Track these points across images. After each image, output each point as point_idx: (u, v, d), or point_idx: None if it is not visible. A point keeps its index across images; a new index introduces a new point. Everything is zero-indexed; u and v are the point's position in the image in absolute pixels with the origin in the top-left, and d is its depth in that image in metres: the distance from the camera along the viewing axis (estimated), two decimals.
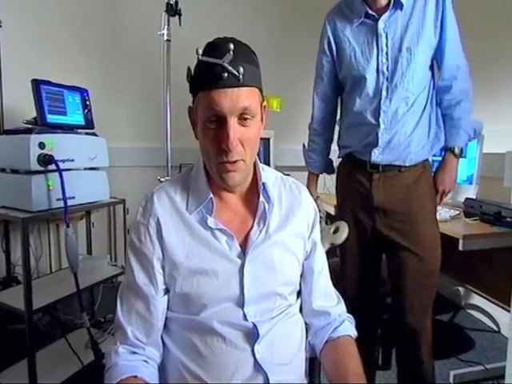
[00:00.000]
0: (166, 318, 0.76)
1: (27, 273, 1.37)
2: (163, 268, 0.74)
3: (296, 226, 0.80)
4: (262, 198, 0.77)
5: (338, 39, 1.27)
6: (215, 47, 0.67)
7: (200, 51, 0.67)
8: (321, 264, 0.85)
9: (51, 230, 2.29)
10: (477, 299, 2.27)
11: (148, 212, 0.75)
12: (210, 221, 0.74)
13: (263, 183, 0.78)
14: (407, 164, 1.23)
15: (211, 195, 0.75)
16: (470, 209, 1.63)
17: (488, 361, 1.79)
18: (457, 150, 1.26)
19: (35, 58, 2.21)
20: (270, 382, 0.71)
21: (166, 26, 1.84)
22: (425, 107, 1.23)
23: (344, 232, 1.16)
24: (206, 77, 0.66)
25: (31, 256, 1.50)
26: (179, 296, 0.73)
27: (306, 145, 1.50)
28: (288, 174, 2.96)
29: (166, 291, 0.75)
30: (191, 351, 0.73)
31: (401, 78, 1.17)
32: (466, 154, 1.87)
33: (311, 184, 1.49)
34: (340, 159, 1.41)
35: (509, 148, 1.60)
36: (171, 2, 1.88)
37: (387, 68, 1.19)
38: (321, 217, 1.29)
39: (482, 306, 2.23)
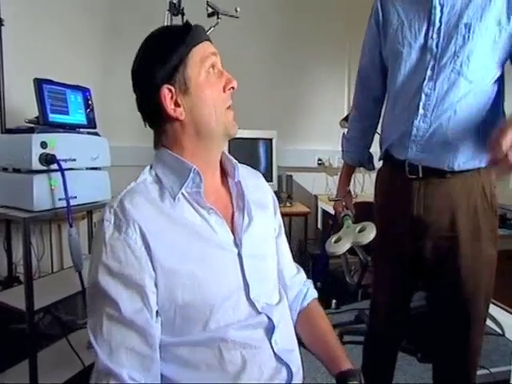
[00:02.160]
0: (160, 348, 0.66)
1: (28, 273, 1.37)
2: (156, 285, 0.65)
3: (266, 205, 0.85)
4: (238, 178, 0.78)
5: (387, 11, 1.11)
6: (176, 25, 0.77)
7: None
8: (285, 240, 0.92)
9: (53, 230, 2.28)
10: None
11: (123, 223, 0.65)
12: (202, 197, 0.70)
13: (235, 162, 0.79)
14: (453, 169, 1.02)
15: (195, 167, 0.70)
16: None
17: (493, 364, 1.77)
18: None
19: (37, 56, 2.20)
20: (293, 371, 0.73)
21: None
22: (489, 105, 1.02)
23: (371, 232, 1.06)
24: (193, 32, 0.71)
25: (33, 256, 1.50)
26: (181, 310, 0.66)
27: (345, 133, 1.36)
28: (290, 175, 2.96)
29: (157, 313, 0.66)
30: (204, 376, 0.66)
31: (452, 58, 0.99)
32: None
33: (344, 177, 1.35)
34: (381, 162, 1.24)
35: None
36: (174, 1, 1.88)
37: (436, 45, 1.01)
38: (348, 215, 1.24)
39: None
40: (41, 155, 1.40)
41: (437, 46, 1.01)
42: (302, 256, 2.72)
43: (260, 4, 2.70)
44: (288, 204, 2.43)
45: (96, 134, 1.72)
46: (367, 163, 1.34)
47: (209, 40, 0.74)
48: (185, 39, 0.70)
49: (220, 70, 0.74)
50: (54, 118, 1.56)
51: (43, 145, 1.42)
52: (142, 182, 0.72)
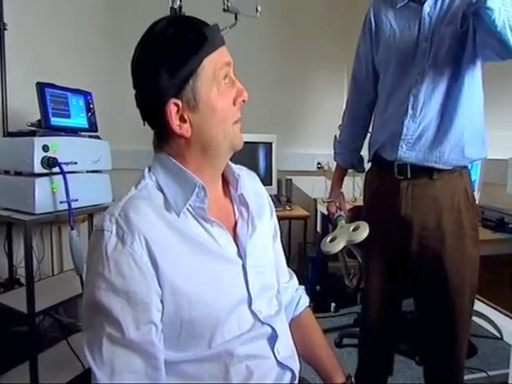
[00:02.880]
0: (164, 364, 0.63)
1: (30, 275, 1.38)
2: (162, 302, 0.61)
3: (265, 212, 0.82)
4: (242, 189, 0.75)
5: (380, 21, 1.19)
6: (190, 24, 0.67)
7: None
8: (280, 244, 0.90)
9: (53, 232, 2.29)
10: (479, 305, 2.26)
11: (127, 235, 0.60)
12: (206, 212, 0.67)
13: (238, 174, 0.76)
14: (440, 166, 1.09)
15: (201, 181, 0.66)
16: None
17: (490, 368, 1.78)
18: None
19: (40, 60, 2.22)
20: (296, 374, 0.74)
21: None
22: (471, 104, 1.08)
23: (364, 231, 1.09)
24: (209, 41, 0.64)
25: (33, 258, 1.51)
26: (188, 325, 0.63)
27: (338, 136, 1.41)
28: (290, 179, 2.96)
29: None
30: None
31: (439, 63, 1.07)
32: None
33: (336, 179, 1.40)
34: (369, 164, 1.31)
35: (511, 154, 1.60)
36: (175, 7, 1.89)
37: (425, 53, 1.09)
38: (342, 215, 1.28)
39: (485, 313, 2.22)
40: (43, 158, 1.42)
41: (425, 54, 1.08)
42: (301, 259, 2.73)
43: (263, 8, 2.72)
44: (287, 207, 2.44)
45: (97, 137, 1.74)
46: (358, 165, 1.38)
47: (223, 44, 0.67)
48: (198, 49, 0.63)
49: (232, 80, 0.69)
50: (55, 121, 1.57)
51: (45, 148, 1.44)
52: (144, 187, 0.67)
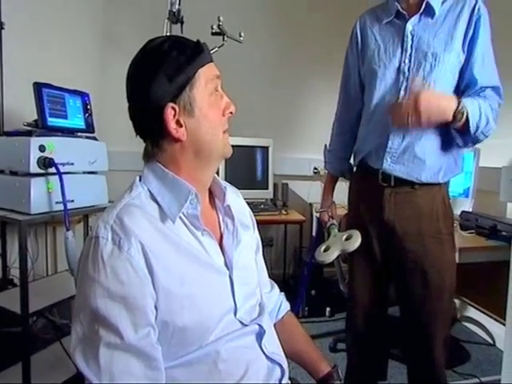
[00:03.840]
0: None
1: (24, 276, 1.37)
2: (156, 307, 0.62)
3: (247, 224, 0.86)
4: (227, 202, 0.78)
5: (365, 35, 1.25)
6: (185, 40, 0.73)
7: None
8: (262, 257, 0.93)
9: (48, 233, 2.28)
10: (472, 312, 2.27)
11: (124, 240, 0.61)
12: (200, 218, 0.69)
13: (224, 186, 0.79)
14: (421, 181, 1.15)
15: (194, 188, 0.69)
16: (466, 222, 1.65)
17: (483, 374, 1.79)
18: (463, 105, 1.04)
19: (37, 60, 2.21)
20: (284, 368, 0.77)
21: (167, 33, 1.86)
22: (448, 125, 1.13)
23: (357, 240, 1.12)
24: (204, 53, 0.70)
25: (27, 258, 1.50)
26: (179, 332, 0.64)
27: (328, 145, 1.46)
28: (286, 183, 2.97)
29: None
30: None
31: (421, 82, 1.12)
32: (463, 168, 1.88)
33: (328, 187, 1.44)
34: (355, 168, 1.36)
35: (504, 162, 1.62)
36: (174, 10, 1.90)
37: (409, 69, 1.14)
38: (334, 224, 1.31)
39: (478, 319, 2.24)
40: (39, 158, 1.42)
41: (408, 70, 1.15)
42: (296, 263, 2.74)
43: (258, 18, 2.74)
44: (283, 212, 2.44)
45: (94, 138, 1.73)
46: (347, 173, 1.41)
47: (212, 61, 0.73)
48: (194, 59, 0.68)
49: (221, 94, 0.73)
50: (52, 121, 1.57)
51: (41, 148, 1.44)
52: (137, 196, 0.68)
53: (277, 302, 0.95)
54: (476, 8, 1.10)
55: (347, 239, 1.14)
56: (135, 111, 0.71)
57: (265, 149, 2.52)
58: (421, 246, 1.17)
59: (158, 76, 0.66)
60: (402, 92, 1.15)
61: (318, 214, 1.47)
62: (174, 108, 0.67)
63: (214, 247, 0.73)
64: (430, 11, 1.13)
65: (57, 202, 1.47)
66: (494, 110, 1.10)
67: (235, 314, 0.73)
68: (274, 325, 0.89)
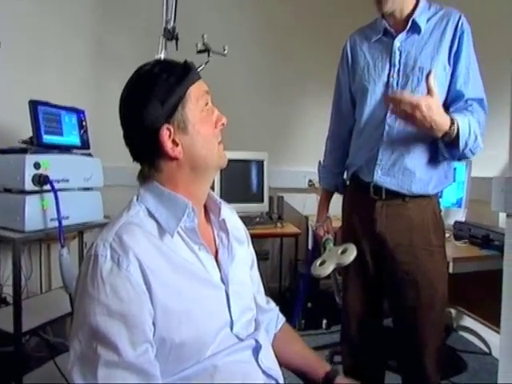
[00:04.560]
0: None
1: (17, 294, 1.35)
2: (154, 323, 0.63)
3: (243, 239, 0.88)
4: (223, 216, 0.80)
5: (355, 53, 1.30)
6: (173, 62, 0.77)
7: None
8: (257, 272, 0.94)
9: (43, 250, 2.26)
10: (468, 321, 2.28)
11: (122, 258, 0.62)
12: (197, 231, 0.71)
13: (219, 201, 0.81)
14: (412, 192, 1.18)
15: (191, 203, 0.71)
16: (460, 232, 1.67)
17: (480, 382, 1.79)
18: (455, 120, 1.05)
19: (33, 78, 2.23)
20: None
21: (163, 50, 1.89)
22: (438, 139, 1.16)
23: (352, 253, 1.14)
24: (192, 72, 0.73)
25: (21, 276, 1.48)
26: (177, 348, 0.65)
27: (322, 161, 1.50)
28: (282, 196, 2.97)
29: None
30: None
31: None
32: (455, 178, 1.92)
33: (323, 203, 1.46)
34: (348, 182, 1.38)
35: (495, 172, 1.65)
36: (169, 27, 1.93)
37: (397, 83, 1.19)
38: (329, 239, 1.33)
39: (473, 328, 2.24)
40: (34, 176, 1.42)
41: (397, 84, 1.19)
42: (292, 276, 2.73)
43: (253, 29, 2.79)
44: (279, 225, 2.44)
45: (89, 154, 1.74)
46: (341, 188, 1.43)
47: (200, 78, 0.76)
48: (183, 79, 0.71)
49: (211, 108, 0.76)
50: (47, 139, 1.57)
51: (36, 165, 1.44)
52: (136, 213, 0.70)
53: (273, 316, 0.96)
54: (459, 24, 1.15)
55: (343, 252, 1.16)
56: (131, 136, 0.73)
57: (260, 162, 2.53)
58: (412, 258, 1.18)
59: (151, 100, 0.68)
60: (391, 105, 1.15)
61: (314, 228, 1.48)
62: (168, 128, 0.69)
63: (211, 262, 0.74)
64: (416, 28, 1.17)
65: (52, 219, 1.47)
66: (481, 126, 1.12)
67: (231, 329, 0.74)
68: (274, 336, 0.92)
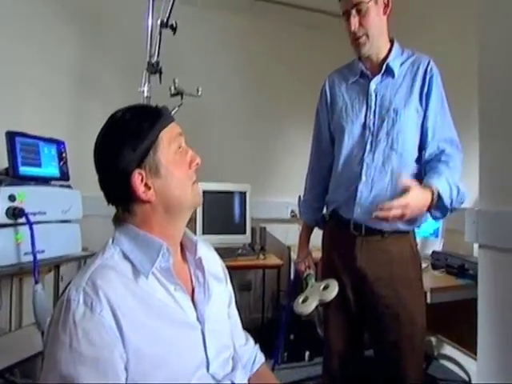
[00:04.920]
0: None
1: None
2: (126, 368, 0.62)
3: (220, 276, 0.88)
4: (199, 255, 0.80)
5: (334, 93, 1.35)
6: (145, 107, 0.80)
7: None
8: (235, 309, 0.94)
9: (14, 284, 2.16)
10: (448, 349, 2.28)
11: (96, 302, 0.61)
12: (172, 271, 0.71)
13: (195, 239, 0.81)
14: (390, 230, 1.21)
15: (165, 244, 0.71)
16: (437, 261, 1.71)
17: None
18: (434, 189, 1.10)
19: (11, 109, 2.21)
20: None
21: (146, 84, 1.92)
22: (415, 177, 1.22)
23: (334, 289, 1.15)
24: (163, 117, 0.75)
25: None
26: None
27: (302, 196, 1.52)
28: (264, 227, 2.96)
29: None
30: None
31: (385, 136, 1.22)
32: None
33: (303, 237, 1.47)
34: (327, 217, 1.39)
35: (468, 203, 1.71)
36: (153, 62, 1.98)
37: (373, 124, 1.24)
38: (311, 273, 1.33)
39: (454, 356, 2.24)
40: (8, 209, 1.39)
41: (373, 125, 1.24)
42: (275, 307, 2.69)
43: (237, 62, 2.88)
44: (261, 256, 2.43)
45: (69, 186, 1.72)
46: (321, 223, 1.45)
47: (174, 120, 0.77)
48: (154, 124, 0.72)
49: (185, 149, 0.77)
50: (24, 170, 1.55)
51: (11, 198, 1.41)
52: (110, 256, 0.70)
53: (252, 354, 0.95)
54: (429, 68, 1.23)
55: (325, 288, 1.17)
56: (104, 182, 0.74)
57: (242, 194, 2.55)
58: (392, 291, 1.20)
59: (123, 146, 0.70)
60: (368, 145, 1.23)
61: (295, 263, 1.48)
62: (140, 173, 0.71)
63: (187, 301, 0.74)
64: (390, 72, 1.24)
65: (26, 253, 1.42)
66: (458, 170, 1.18)
67: (208, 369, 0.73)
68: (249, 378, 0.89)
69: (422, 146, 1.24)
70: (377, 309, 1.22)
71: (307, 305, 1.16)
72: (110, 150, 0.72)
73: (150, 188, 0.71)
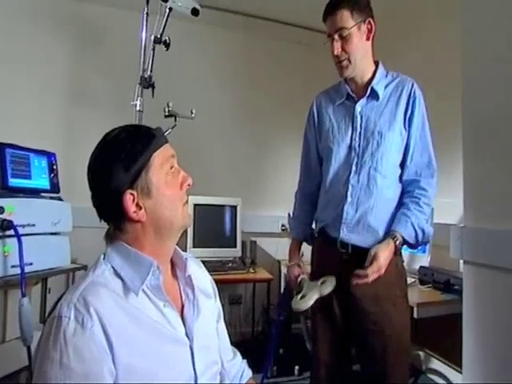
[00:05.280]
0: None
1: None
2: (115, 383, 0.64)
3: (209, 293, 0.90)
4: (189, 272, 0.82)
5: (321, 114, 1.38)
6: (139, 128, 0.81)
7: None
8: (223, 325, 0.95)
9: None
10: (436, 363, 2.29)
11: (87, 318, 0.63)
12: (162, 288, 0.73)
13: (185, 258, 0.83)
14: None
15: (155, 262, 0.73)
16: (424, 277, 1.73)
17: None
18: (398, 237, 1.21)
19: (3, 120, 2.22)
20: None
21: (139, 98, 1.94)
22: (399, 198, 1.28)
23: (332, 282, 1.19)
24: (156, 139, 0.77)
25: None
26: None
27: (291, 213, 1.53)
28: (255, 241, 2.97)
29: None
30: None
31: (370, 157, 1.25)
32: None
33: (294, 248, 1.47)
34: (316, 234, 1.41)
35: (455, 218, 1.74)
36: (145, 76, 2.00)
37: (359, 145, 1.27)
38: (304, 278, 1.33)
39: (441, 371, 2.25)
40: None
41: (359, 146, 1.28)
42: (265, 321, 2.68)
43: (229, 77, 2.92)
44: (252, 270, 2.43)
45: (59, 198, 1.72)
46: (309, 239, 1.47)
47: (167, 142, 0.79)
48: (147, 146, 0.74)
49: (177, 169, 0.79)
50: (14, 182, 1.55)
51: (0, 210, 1.40)
52: (101, 273, 0.71)
53: (239, 369, 0.96)
54: (412, 91, 1.26)
55: (322, 283, 1.19)
56: (97, 200, 0.76)
57: (233, 208, 2.56)
58: (378, 308, 1.23)
59: (115, 167, 0.72)
60: (353, 166, 1.27)
61: (288, 267, 1.46)
62: (132, 193, 0.72)
63: (176, 318, 0.75)
64: (374, 95, 1.28)
65: (13, 266, 1.41)
66: (427, 207, 1.24)
67: (196, 382, 0.74)
68: None
69: (403, 167, 1.29)
70: (363, 325, 1.25)
71: (306, 300, 1.17)
72: (103, 170, 0.73)
73: (141, 208, 0.73)
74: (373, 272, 1.15)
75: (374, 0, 1.30)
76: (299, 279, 1.34)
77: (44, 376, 0.60)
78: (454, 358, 1.85)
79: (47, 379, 0.60)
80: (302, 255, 1.48)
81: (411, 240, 1.23)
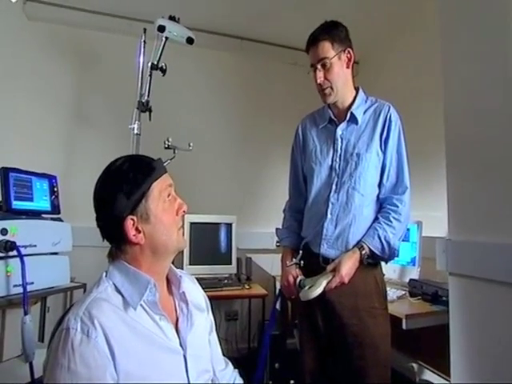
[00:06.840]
0: None
1: None
2: None
3: (202, 307, 0.97)
4: (183, 289, 0.90)
5: (306, 136, 1.48)
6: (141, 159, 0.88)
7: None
8: (216, 336, 1.01)
9: None
10: (429, 375, 2.31)
11: (91, 329, 0.70)
12: (158, 304, 0.80)
13: (180, 275, 0.91)
14: None
15: (153, 280, 0.81)
16: (414, 289, 1.78)
17: None
18: (365, 247, 1.28)
19: (4, 144, 2.27)
20: None
21: (136, 121, 2.02)
22: (375, 213, 1.35)
23: (329, 276, 1.24)
24: (156, 170, 0.85)
25: None
26: None
27: (281, 226, 1.58)
28: (250, 257, 3.00)
29: None
30: None
31: (349, 177, 1.34)
32: (409, 238, 2.07)
33: (286, 257, 1.46)
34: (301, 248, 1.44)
35: (442, 231, 1.81)
36: (143, 101, 2.09)
37: (339, 166, 1.36)
38: (303, 278, 1.36)
39: (434, 382, 2.27)
40: (0, 242, 1.42)
41: (339, 167, 1.37)
42: (261, 337, 2.70)
43: (225, 99, 3.01)
44: (247, 286, 2.48)
45: (59, 219, 1.77)
46: (300, 248, 1.49)
47: (166, 172, 0.87)
48: (148, 176, 0.82)
49: (174, 197, 0.87)
50: (17, 204, 1.60)
51: (3, 231, 1.45)
52: (104, 290, 0.78)
53: (231, 377, 1.02)
54: (388, 115, 1.36)
55: (323, 275, 1.24)
56: (101, 223, 0.84)
57: (228, 225, 2.61)
58: (358, 320, 1.29)
59: (118, 195, 0.80)
60: (333, 186, 1.36)
61: (281, 277, 1.48)
62: (132, 219, 0.80)
63: (171, 330, 0.83)
64: (354, 119, 1.38)
65: (15, 285, 1.45)
66: (398, 223, 1.30)
67: None
68: None
69: (380, 187, 1.37)
70: (344, 336, 1.30)
71: (315, 287, 1.21)
72: (106, 197, 0.81)
73: (140, 232, 0.81)
74: (336, 282, 1.22)
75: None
76: (299, 279, 1.35)
77: (54, 379, 0.68)
78: (444, 368, 1.89)
79: (56, 381, 0.68)
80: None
81: (378, 251, 1.29)
